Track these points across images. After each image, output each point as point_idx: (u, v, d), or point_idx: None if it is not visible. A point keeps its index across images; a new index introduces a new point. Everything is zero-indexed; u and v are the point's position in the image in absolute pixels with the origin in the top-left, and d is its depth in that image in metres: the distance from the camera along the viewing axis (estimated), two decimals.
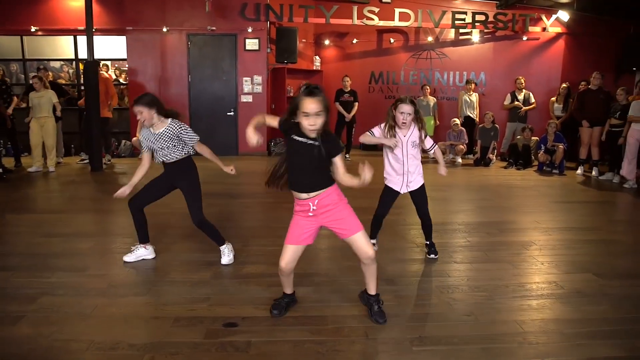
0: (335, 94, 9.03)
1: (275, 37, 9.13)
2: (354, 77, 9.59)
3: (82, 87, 8.74)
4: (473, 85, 9.51)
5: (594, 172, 7.74)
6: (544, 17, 9.61)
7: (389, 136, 3.41)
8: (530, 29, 9.62)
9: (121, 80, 9.86)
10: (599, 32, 9.40)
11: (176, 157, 3.38)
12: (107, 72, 9.26)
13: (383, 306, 2.68)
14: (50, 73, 9.07)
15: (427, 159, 4.49)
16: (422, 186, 3.56)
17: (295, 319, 2.68)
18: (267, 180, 2.64)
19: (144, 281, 3.26)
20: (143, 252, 3.59)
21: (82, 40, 9.02)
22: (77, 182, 6.86)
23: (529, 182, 7.32)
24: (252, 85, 9.23)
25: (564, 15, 9.33)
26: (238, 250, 3.69)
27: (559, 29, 9.75)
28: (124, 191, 3.37)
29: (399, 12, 9.34)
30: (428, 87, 9.65)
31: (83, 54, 9.13)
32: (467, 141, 9.16)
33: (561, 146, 7.95)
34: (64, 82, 9.68)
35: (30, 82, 7.73)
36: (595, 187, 7.06)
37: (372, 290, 2.67)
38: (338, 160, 2.47)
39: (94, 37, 7.58)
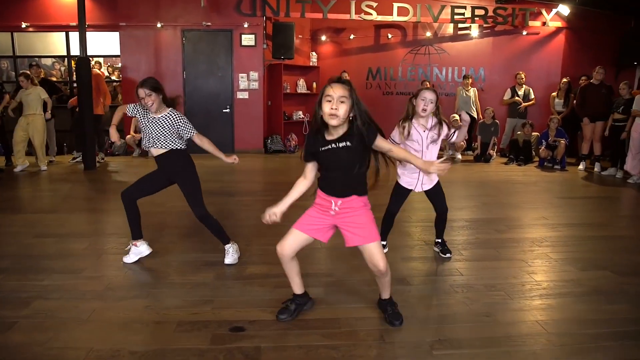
0: None
1: (271, 32, 8.96)
2: (351, 73, 9.47)
3: (75, 85, 8.55)
4: (470, 80, 9.38)
5: (596, 168, 7.65)
6: (544, 12, 9.49)
7: (402, 129, 3.26)
8: (530, 23, 9.49)
9: (113, 78, 9.67)
10: (599, 26, 9.29)
11: (164, 148, 3.21)
12: (99, 69, 9.06)
13: (398, 308, 2.55)
14: (42, 70, 8.85)
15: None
16: (438, 183, 3.41)
17: (306, 322, 2.53)
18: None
19: (142, 283, 3.10)
20: (140, 250, 3.40)
21: (74, 36, 8.84)
22: (70, 181, 6.65)
23: (531, 177, 7.21)
24: (248, 82, 9.06)
25: (564, 9, 9.22)
26: (240, 250, 3.51)
27: (559, 24, 9.64)
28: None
29: (398, 7, 9.19)
30: (428, 83, 9.51)
31: (75, 50, 8.94)
32: (466, 137, 9.03)
33: (563, 142, 7.86)
34: (55, 79, 9.48)
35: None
36: (598, 182, 6.96)
37: (385, 296, 2.55)
38: (382, 144, 2.29)
39: (87, 33, 7.39)
